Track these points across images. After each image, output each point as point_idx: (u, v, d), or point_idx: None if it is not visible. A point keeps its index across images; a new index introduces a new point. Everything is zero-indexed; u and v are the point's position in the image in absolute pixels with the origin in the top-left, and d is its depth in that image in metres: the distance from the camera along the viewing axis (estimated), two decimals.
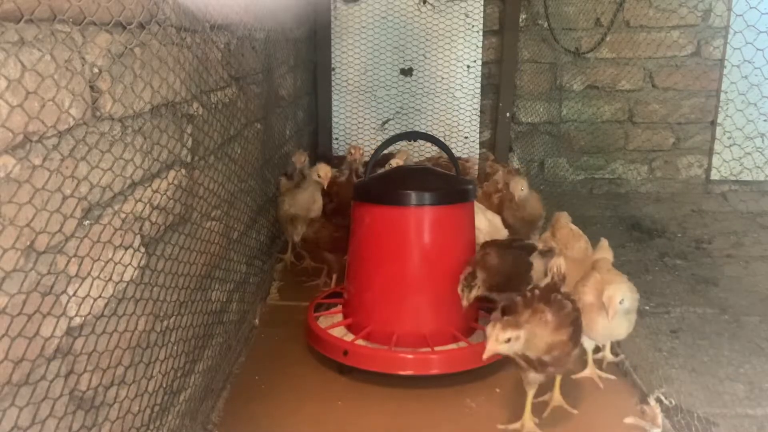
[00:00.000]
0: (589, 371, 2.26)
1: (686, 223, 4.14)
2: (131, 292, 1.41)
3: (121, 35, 1.34)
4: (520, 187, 3.02)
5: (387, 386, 2.20)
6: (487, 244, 2.37)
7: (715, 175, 4.76)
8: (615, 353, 2.38)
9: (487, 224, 2.82)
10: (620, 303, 1.99)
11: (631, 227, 4.00)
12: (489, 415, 2.06)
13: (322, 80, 4.57)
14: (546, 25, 4.53)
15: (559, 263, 2.03)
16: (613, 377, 2.29)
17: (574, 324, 1.86)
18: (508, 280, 2.25)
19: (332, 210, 3.05)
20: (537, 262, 2.44)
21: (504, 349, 1.70)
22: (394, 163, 3.32)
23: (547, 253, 2.56)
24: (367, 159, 3.38)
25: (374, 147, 4.21)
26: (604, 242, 2.45)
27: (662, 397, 2.04)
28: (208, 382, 2.03)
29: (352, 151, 3.35)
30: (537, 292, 1.91)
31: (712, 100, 4.66)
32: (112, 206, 1.32)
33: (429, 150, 4.44)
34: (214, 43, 2.06)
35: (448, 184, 2.47)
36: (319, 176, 2.92)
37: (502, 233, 2.82)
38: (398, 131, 4.54)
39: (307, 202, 2.97)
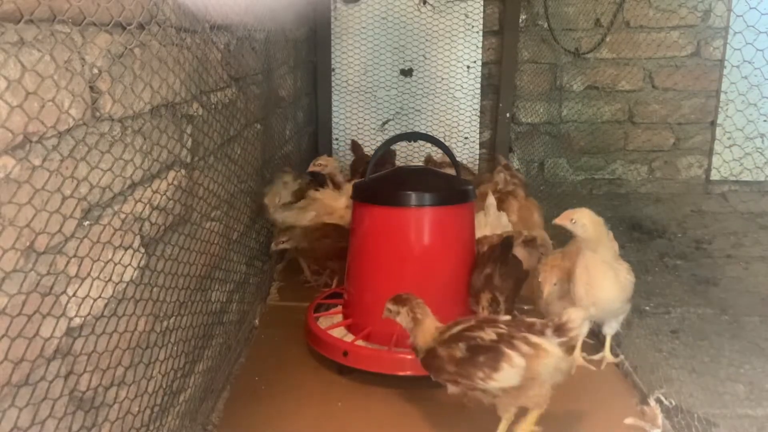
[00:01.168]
0: (576, 354, 2.32)
1: (686, 223, 4.14)
2: (131, 292, 1.41)
3: (120, 36, 1.34)
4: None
5: (387, 387, 2.20)
6: (487, 265, 2.34)
7: (715, 176, 4.76)
8: (615, 354, 2.39)
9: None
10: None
11: (632, 228, 4.00)
12: (488, 416, 2.06)
13: (321, 81, 4.57)
14: (546, 25, 4.53)
15: (574, 317, 1.80)
16: (593, 368, 2.33)
17: (461, 362, 1.79)
18: (514, 291, 2.35)
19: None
20: (520, 252, 2.49)
21: (389, 315, 1.96)
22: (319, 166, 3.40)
23: (530, 243, 2.61)
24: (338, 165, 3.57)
25: (374, 147, 4.22)
26: (609, 234, 2.54)
27: (662, 398, 2.04)
28: (208, 382, 2.03)
29: (322, 162, 3.40)
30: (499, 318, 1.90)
31: (712, 100, 4.65)
32: (111, 207, 1.32)
33: (428, 150, 4.43)
34: (214, 43, 2.06)
35: (447, 184, 2.47)
36: None
37: None
38: (398, 132, 4.53)
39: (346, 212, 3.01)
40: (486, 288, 2.27)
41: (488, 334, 1.80)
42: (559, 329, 1.78)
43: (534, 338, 1.78)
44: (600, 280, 2.22)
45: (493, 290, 2.27)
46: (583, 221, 2.21)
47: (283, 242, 2.91)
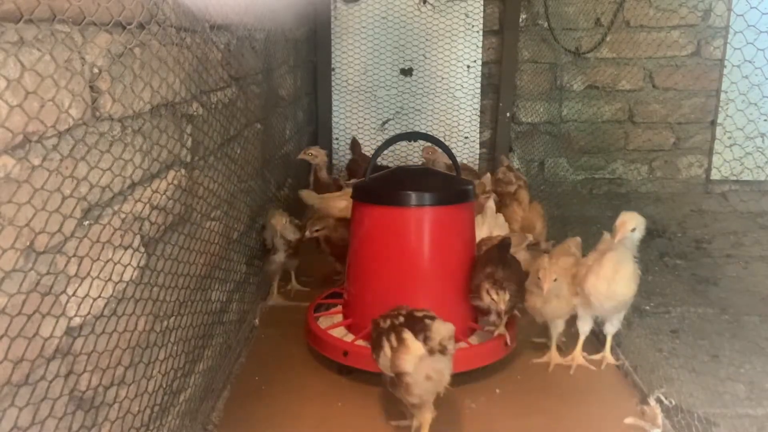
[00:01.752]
0: (576, 353, 2.36)
1: (686, 223, 4.14)
2: (131, 292, 1.41)
3: (120, 35, 1.34)
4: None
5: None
6: (487, 265, 2.30)
7: (715, 175, 4.76)
8: (615, 355, 2.38)
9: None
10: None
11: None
12: (489, 415, 2.06)
13: (322, 80, 4.58)
14: (546, 25, 4.53)
15: (442, 330, 1.78)
16: (593, 368, 2.33)
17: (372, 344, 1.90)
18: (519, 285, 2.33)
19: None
20: (523, 255, 2.51)
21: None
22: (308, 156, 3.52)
23: (533, 246, 2.61)
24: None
25: (374, 147, 4.22)
26: (606, 235, 2.54)
27: (662, 398, 2.04)
28: (208, 382, 2.03)
29: (313, 152, 3.47)
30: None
31: (712, 100, 4.66)
32: (111, 206, 1.32)
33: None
34: (214, 43, 2.06)
35: (447, 184, 2.46)
36: None
37: None
38: (398, 131, 4.54)
39: None
40: (487, 279, 2.24)
41: (384, 323, 1.85)
42: (426, 334, 1.76)
43: (405, 333, 1.76)
44: (624, 276, 2.24)
45: (494, 278, 2.23)
46: (641, 226, 2.25)
47: (318, 231, 2.84)
